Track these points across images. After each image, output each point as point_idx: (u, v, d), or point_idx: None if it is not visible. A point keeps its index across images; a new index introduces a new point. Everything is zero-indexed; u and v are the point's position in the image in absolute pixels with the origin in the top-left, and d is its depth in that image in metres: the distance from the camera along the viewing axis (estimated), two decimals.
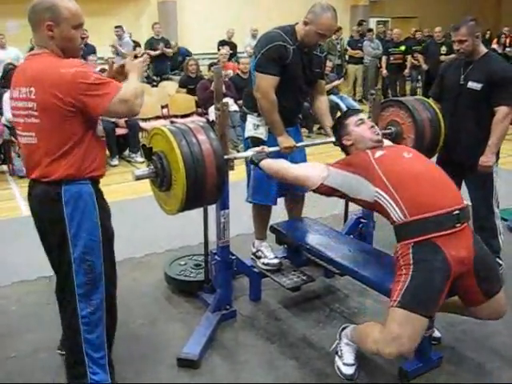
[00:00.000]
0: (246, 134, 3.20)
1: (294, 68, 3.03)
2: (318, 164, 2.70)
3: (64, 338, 2.52)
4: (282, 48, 2.96)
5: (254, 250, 3.38)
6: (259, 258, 3.32)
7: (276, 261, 3.29)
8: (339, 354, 2.65)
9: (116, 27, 9.95)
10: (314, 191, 2.65)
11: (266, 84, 2.98)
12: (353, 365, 2.60)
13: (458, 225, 2.33)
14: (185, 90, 8.12)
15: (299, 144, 3.19)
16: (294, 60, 3.01)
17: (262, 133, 3.10)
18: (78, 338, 2.32)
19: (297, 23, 3.08)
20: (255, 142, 3.13)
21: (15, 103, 2.18)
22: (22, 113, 2.15)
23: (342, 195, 2.62)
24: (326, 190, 2.61)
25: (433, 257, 2.30)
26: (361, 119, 2.75)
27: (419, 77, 10.95)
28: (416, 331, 2.29)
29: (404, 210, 2.35)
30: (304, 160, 3.33)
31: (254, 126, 3.14)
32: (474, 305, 2.49)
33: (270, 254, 3.33)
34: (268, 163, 2.81)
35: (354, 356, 2.62)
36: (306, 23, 2.98)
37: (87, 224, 2.22)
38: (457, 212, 2.33)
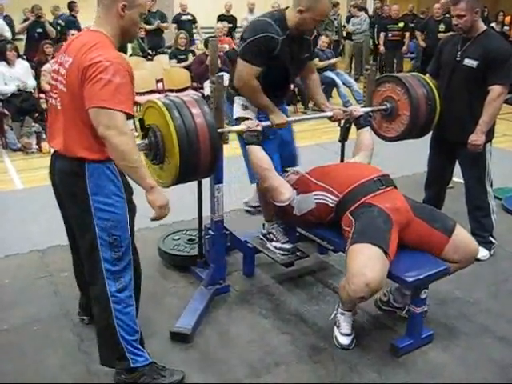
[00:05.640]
0: (235, 115, 3.11)
1: (281, 58, 2.93)
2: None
3: (95, 321, 2.41)
4: (270, 39, 2.84)
5: (265, 232, 3.21)
6: (270, 240, 3.18)
7: (289, 245, 3.12)
8: (337, 324, 2.73)
9: None
10: (279, 206, 2.89)
11: (247, 73, 2.91)
12: (349, 335, 2.69)
13: (383, 187, 2.68)
14: (175, 61, 8.17)
15: (291, 119, 3.14)
16: (282, 50, 2.91)
17: (249, 113, 3.05)
18: (110, 321, 2.25)
19: (287, 8, 2.97)
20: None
21: (55, 66, 2.26)
22: (55, 76, 2.22)
23: (291, 215, 2.89)
24: (287, 209, 2.87)
25: (369, 209, 2.59)
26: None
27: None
28: (373, 259, 2.40)
29: (334, 192, 2.72)
30: (291, 137, 3.39)
31: (242, 107, 3.07)
32: (442, 247, 2.63)
33: (281, 237, 3.14)
34: (257, 151, 2.83)
35: (351, 326, 2.70)
36: (301, 11, 2.83)
37: (112, 199, 2.19)
38: (378, 178, 2.71)
